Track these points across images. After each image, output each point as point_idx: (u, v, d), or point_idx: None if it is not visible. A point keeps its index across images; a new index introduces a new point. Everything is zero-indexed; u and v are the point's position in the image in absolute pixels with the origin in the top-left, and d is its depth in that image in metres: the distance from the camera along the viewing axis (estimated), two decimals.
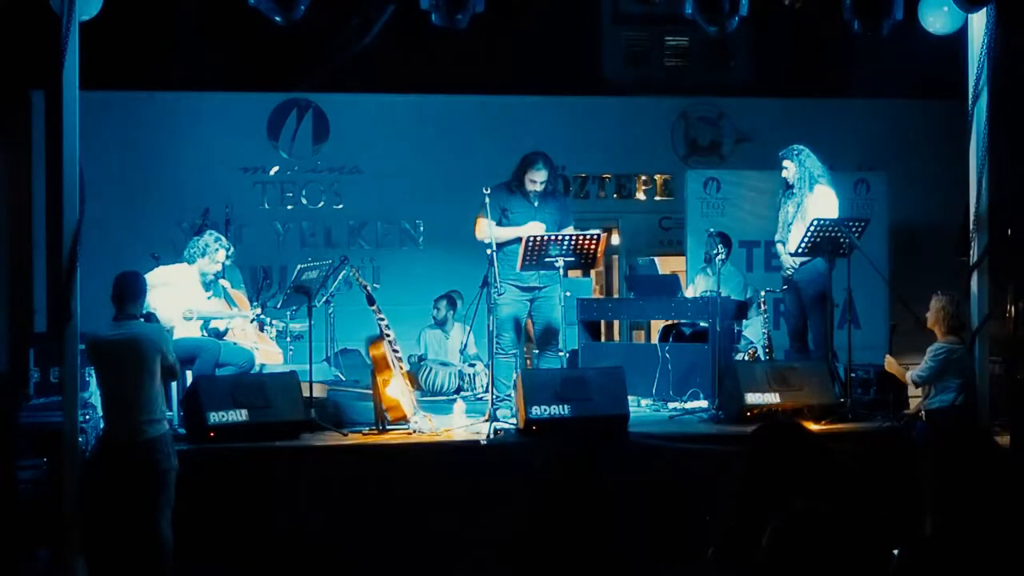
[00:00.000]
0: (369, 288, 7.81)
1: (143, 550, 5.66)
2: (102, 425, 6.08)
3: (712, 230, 8.50)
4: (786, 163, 7.80)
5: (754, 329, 8.90)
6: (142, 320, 5.98)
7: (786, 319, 8.18)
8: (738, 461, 3.57)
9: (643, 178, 11.38)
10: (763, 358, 8.46)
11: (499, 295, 7.26)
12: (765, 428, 3.73)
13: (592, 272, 11.20)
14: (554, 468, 3.73)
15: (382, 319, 7.34)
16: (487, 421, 6.93)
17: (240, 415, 6.52)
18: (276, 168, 10.81)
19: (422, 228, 10.99)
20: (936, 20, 6.97)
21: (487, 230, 7.25)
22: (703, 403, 7.92)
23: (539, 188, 7.51)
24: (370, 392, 7.23)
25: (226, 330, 7.48)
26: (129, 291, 5.88)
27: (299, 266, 7.37)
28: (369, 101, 10.92)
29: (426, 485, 6.35)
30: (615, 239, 11.42)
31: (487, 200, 7.25)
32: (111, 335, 5.84)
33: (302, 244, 10.79)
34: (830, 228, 7.36)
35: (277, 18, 6.28)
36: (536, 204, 7.57)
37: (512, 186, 7.53)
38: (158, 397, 5.80)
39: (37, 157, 9.68)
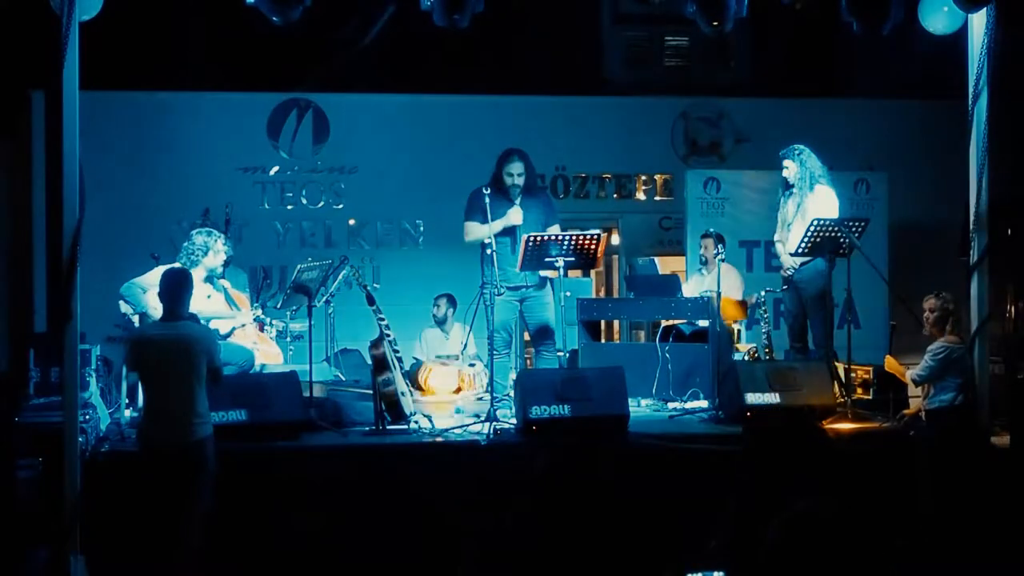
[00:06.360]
0: (369, 288, 7.80)
1: (174, 552, 5.57)
2: (142, 427, 5.85)
3: (712, 230, 8.48)
4: (786, 163, 7.80)
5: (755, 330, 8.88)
6: (190, 321, 5.92)
7: (786, 319, 8.18)
8: (739, 461, 3.57)
9: (643, 178, 11.38)
10: (763, 358, 8.45)
11: (498, 295, 7.25)
12: (774, 426, 3.72)
13: (592, 272, 11.20)
14: (554, 468, 3.73)
15: (382, 319, 7.34)
16: (487, 421, 6.93)
17: (240, 415, 6.52)
18: (276, 168, 10.81)
19: (422, 228, 10.99)
20: (936, 20, 6.97)
21: (476, 231, 7.44)
22: (703, 403, 7.92)
23: (518, 182, 7.48)
24: (370, 392, 7.23)
25: (231, 331, 7.47)
26: (176, 289, 5.80)
27: (299, 266, 7.37)
28: (369, 101, 10.92)
29: (426, 485, 6.35)
30: (615, 239, 11.42)
31: (484, 202, 7.27)
32: (158, 334, 5.78)
33: (302, 244, 10.79)
34: (830, 228, 7.37)
35: (275, 18, 6.30)
36: (518, 202, 7.55)
37: (491, 187, 7.40)
38: (205, 397, 5.70)
39: (37, 157, 9.68)
